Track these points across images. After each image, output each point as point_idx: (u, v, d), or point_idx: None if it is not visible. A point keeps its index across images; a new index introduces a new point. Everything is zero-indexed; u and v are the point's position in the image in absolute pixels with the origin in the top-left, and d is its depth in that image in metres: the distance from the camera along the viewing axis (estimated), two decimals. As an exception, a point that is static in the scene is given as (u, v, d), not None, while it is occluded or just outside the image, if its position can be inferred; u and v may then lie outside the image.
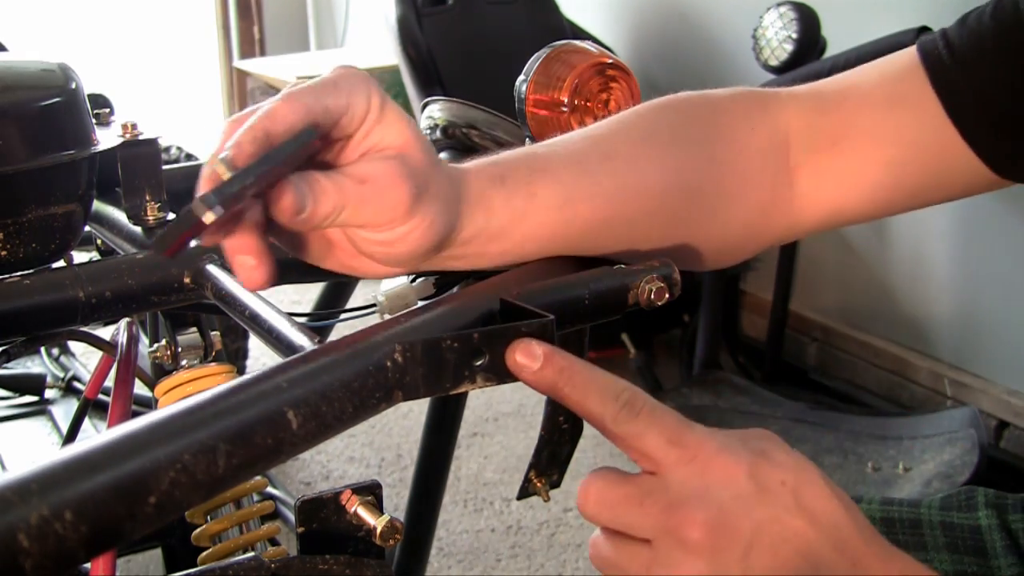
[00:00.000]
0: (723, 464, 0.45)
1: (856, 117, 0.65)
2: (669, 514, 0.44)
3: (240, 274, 0.45)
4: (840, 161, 0.65)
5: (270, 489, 1.50)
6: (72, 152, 0.61)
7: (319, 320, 1.02)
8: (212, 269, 0.61)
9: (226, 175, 0.42)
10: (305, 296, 2.54)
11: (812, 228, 0.68)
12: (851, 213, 0.68)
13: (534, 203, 0.54)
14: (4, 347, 0.62)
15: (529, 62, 0.72)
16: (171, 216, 0.70)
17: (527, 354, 0.47)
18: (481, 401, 2.33)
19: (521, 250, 0.56)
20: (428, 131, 0.82)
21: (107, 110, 0.75)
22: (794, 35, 1.89)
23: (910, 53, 0.65)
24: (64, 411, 1.43)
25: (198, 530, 0.74)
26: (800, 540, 0.44)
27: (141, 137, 0.69)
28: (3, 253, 0.60)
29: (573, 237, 0.57)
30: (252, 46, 4.12)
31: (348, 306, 1.06)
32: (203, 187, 0.43)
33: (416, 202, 0.48)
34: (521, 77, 0.72)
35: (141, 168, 0.69)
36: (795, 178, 0.66)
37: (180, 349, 0.78)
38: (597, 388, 0.46)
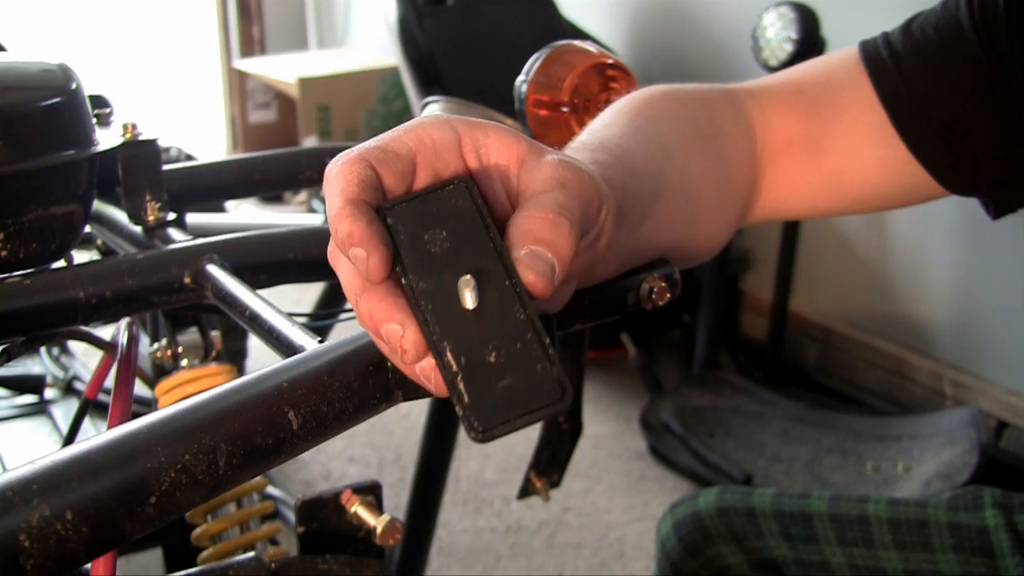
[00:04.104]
0: None
1: (808, 120, 0.65)
2: None
3: None
4: (786, 162, 0.66)
5: (270, 489, 1.50)
6: (72, 152, 0.61)
7: (319, 320, 1.02)
8: (212, 269, 0.61)
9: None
10: (305, 296, 2.54)
11: (756, 220, 0.69)
12: (790, 212, 0.69)
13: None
14: (4, 347, 0.62)
15: (529, 62, 0.72)
16: (171, 216, 0.70)
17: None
18: (481, 401, 2.33)
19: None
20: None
21: (107, 110, 0.75)
22: (794, 35, 1.89)
23: (853, 57, 0.65)
24: (64, 411, 1.43)
25: (198, 530, 0.74)
26: None
27: (141, 137, 0.69)
28: (3, 253, 0.60)
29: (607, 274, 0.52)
30: (252, 46, 4.12)
31: (348, 306, 1.06)
32: None
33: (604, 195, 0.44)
34: (521, 77, 0.72)
35: (141, 168, 0.69)
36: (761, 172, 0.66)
37: (180, 349, 0.78)
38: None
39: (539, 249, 0.39)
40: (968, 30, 0.60)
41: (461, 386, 0.38)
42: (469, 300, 0.39)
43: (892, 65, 0.63)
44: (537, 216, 0.40)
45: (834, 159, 0.65)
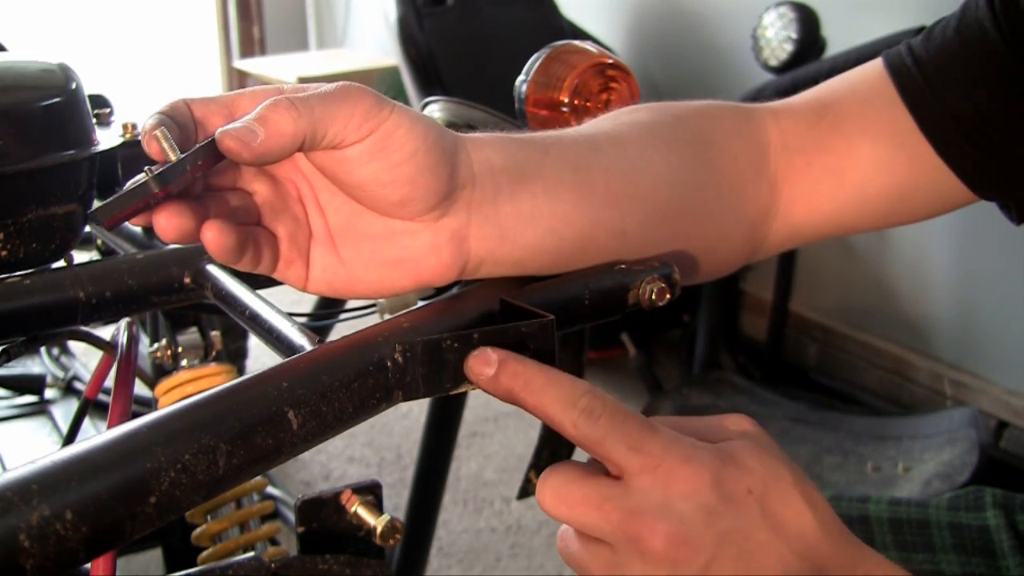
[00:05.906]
0: (687, 474, 0.44)
1: (830, 135, 0.65)
2: (629, 521, 0.43)
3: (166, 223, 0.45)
4: (806, 181, 0.65)
5: (270, 489, 1.51)
6: (72, 152, 0.61)
7: (319, 320, 1.02)
8: (212, 269, 0.61)
9: (172, 152, 0.43)
10: (305, 296, 2.54)
11: (777, 246, 0.68)
12: (815, 232, 0.68)
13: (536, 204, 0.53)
14: (4, 347, 0.62)
15: (529, 62, 0.72)
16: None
17: (482, 361, 0.46)
18: (481, 401, 2.33)
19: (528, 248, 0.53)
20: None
21: (107, 110, 0.75)
22: (794, 35, 1.89)
23: (878, 68, 0.65)
24: (64, 411, 1.43)
25: (198, 530, 0.74)
26: (764, 551, 0.43)
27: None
28: (3, 253, 0.60)
29: (565, 252, 0.54)
30: (252, 46, 4.12)
31: (348, 306, 1.06)
32: (154, 156, 0.44)
33: (386, 104, 0.46)
34: (521, 77, 0.72)
35: (141, 168, 0.69)
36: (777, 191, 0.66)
37: (180, 349, 0.78)
38: (554, 394, 0.45)
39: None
40: (990, 28, 0.61)
41: None
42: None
43: (916, 71, 0.63)
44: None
45: (859, 172, 0.65)
